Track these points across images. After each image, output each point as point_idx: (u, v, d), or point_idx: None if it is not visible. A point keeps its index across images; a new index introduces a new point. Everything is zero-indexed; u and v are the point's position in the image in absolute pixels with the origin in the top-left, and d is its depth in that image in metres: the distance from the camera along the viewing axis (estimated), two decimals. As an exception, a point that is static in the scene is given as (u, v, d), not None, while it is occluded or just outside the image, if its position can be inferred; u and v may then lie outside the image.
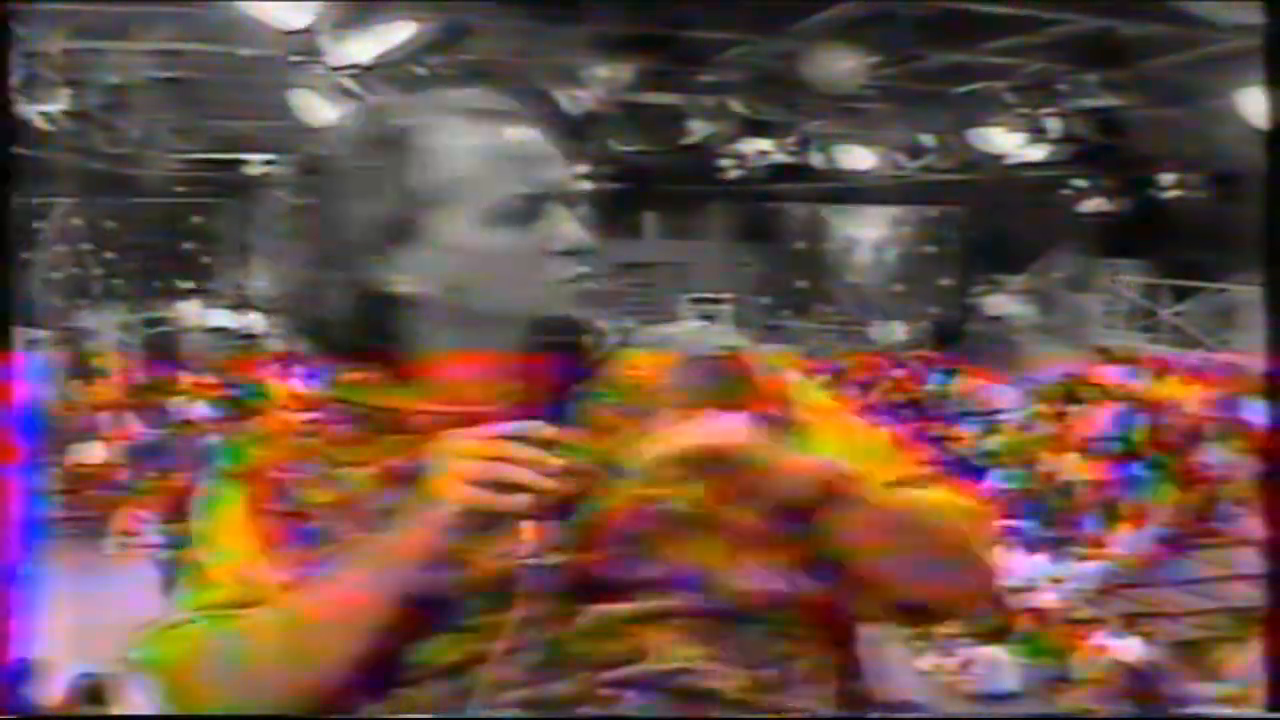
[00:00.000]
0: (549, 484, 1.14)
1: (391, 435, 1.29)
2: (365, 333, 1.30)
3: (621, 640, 1.19)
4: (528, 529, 1.17)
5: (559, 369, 1.25)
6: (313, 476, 1.28)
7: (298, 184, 1.34)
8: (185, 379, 16.85)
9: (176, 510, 13.47)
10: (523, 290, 1.26)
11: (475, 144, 1.28)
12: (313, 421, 1.33)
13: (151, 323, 17.57)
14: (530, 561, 1.17)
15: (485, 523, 1.16)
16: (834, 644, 1.28)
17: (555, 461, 1.15)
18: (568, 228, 1.28)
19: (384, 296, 1.29)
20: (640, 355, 1.35)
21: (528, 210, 1.27)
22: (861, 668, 1.31)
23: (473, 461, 1.15)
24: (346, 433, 1.31)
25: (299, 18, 7.88)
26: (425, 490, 1.17)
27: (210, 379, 16.87)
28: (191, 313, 17.97)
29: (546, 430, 1.16)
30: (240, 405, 16.42)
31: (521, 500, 1.14)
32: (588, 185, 1.34)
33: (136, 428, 15.33)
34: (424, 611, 1.19)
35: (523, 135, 1.30)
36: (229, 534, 1.28)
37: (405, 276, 1.28)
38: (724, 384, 1.32)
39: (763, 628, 1.23)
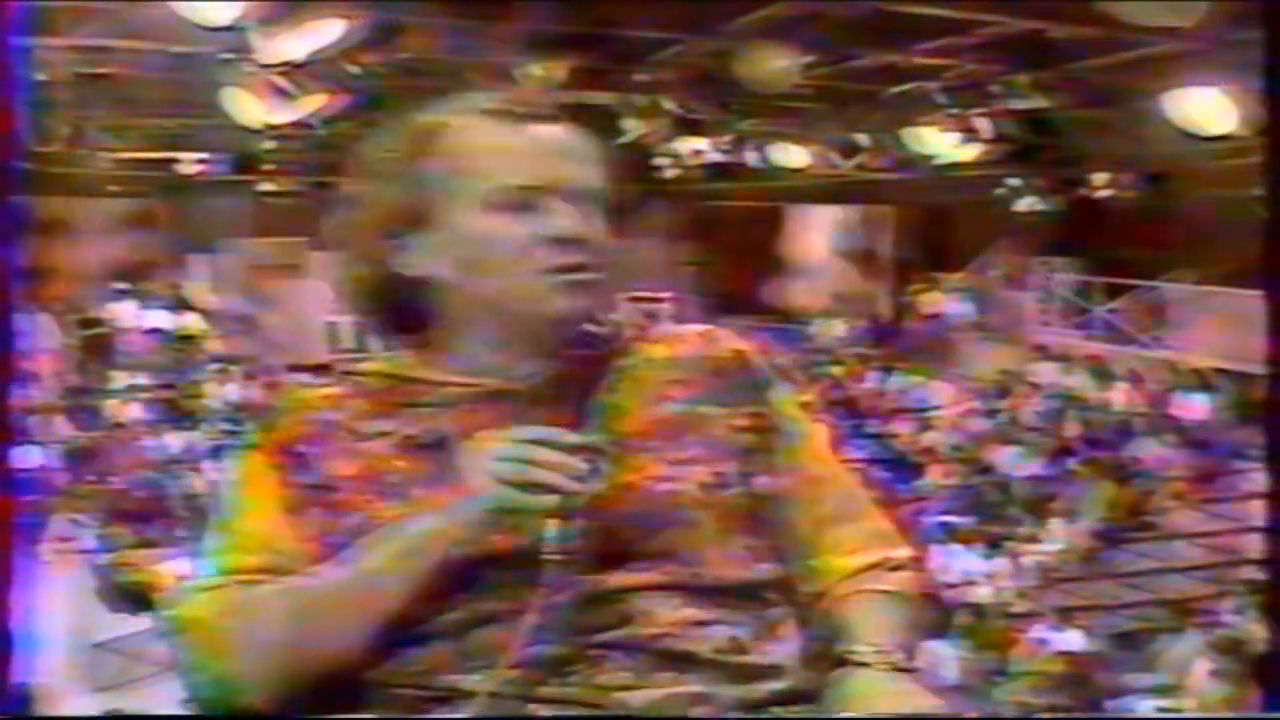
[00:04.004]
0: (575, 486, 1.27)
1: (412, 408, 1.40)
2: (399, 312, 1.44)
3: (610, 608, 1.32)
4: (552, 521, 1.29)
5: (578, 363, 1.39)
6: (337, 449, 1.39)
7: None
8: (121, 381, 16.62)
9: (112, 514, 13.35)
10: (516, 276, 1.37)
11: (484, 139, 1.40)
12: (337, 396, 1.44)
13: (86, 324, 17.30)
14: (551, 547, 1.28)
15: (515, 519, 1.29)
16: (798, 609, 1.43)
17: (581, 466, 1.27)
18: (560, 219, 1.37)
19: (405, 279, 1.41)
20: (653, 350, 1.47)
21: (524, 201, 1.38)
22: (819, 627, 1.44)
23: (506, 463, 1.27)
24: (369, 406, 1.42)
25: (224, 14, 7.81)
26: (459, 486, 1.29)
27: (146, 381, 16.66)
28: (127, 314, 17.71)
29: (572, 437, 1.29)
30: (177, 408, 16.25)
31: (550, 500, 1.27)
32: (603, 181, 1.44)
33: (70, 431, 15.11)
34: (445, 585, 1.31)
35: (533, 131, 1.41)
36: (258, 504, 1.39)
37: (421, 260, 1.40)
38: (728, 384, 1.46)
39: (739, 596, 1.37)
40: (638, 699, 1.29)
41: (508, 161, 1.39)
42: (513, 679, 1.28)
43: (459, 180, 1.39)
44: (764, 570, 1.41)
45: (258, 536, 1.38)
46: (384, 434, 1.39)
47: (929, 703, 1.33)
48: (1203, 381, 14.21)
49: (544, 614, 1.29)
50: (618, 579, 1.33)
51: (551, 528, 1.29)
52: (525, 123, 1.41)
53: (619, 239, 1.47)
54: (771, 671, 1.36)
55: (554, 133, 1.42)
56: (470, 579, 1.31)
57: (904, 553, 1.49)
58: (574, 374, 1.40)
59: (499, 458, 1.28)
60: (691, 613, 1.33)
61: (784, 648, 1.39)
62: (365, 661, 1.33)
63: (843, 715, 1.32)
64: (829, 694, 1.34)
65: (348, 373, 1.48)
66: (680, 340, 1.50)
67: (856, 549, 1.46)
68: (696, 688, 1.31)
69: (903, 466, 14.60)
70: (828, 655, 1.39)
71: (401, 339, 1.47)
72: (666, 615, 1.32)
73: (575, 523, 1.29)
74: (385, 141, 1.45)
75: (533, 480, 1.26)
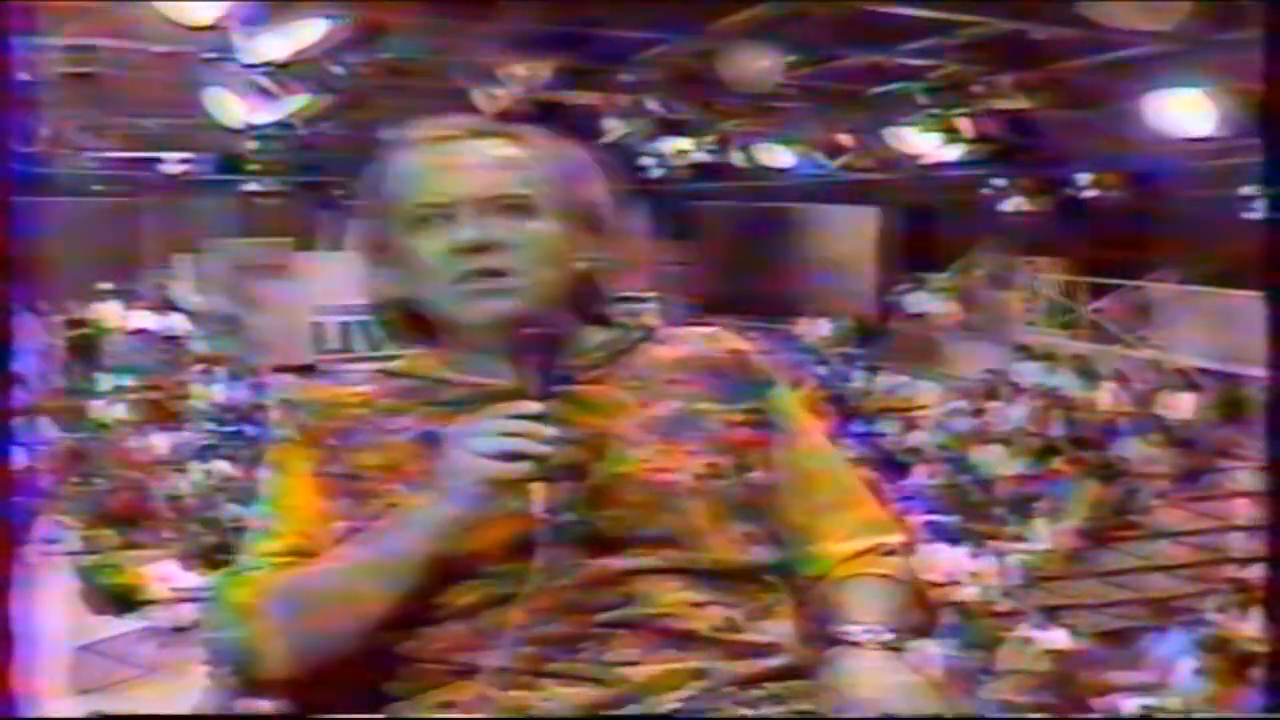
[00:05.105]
0: (545, 450, 1.36)
1: (432, 406, 1.51)
2: (404, 326, 1.57)
3: (615, 588, 1.41)
4: (539, 490, 1.38)
5: (551, 354, 1.45)
6: (364, 442, 1.51)
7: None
8: (106, 382, 16.56)
9: (97, 516, 13.28)
10: (439, 286, 1.48)
11: (405, 166, 1.52)
12: (365, 393, 1.56)
13: (71, 324, 17.24)
14: (544, 518, 1.38)
15: (502, 489, 1.37)
16: (795, 592, 1.51)
17: (547, 431, 1.36)
18: (468, 228, 1.46)
19: (391, 300, 1.56)
20: (657, 350, 1.57)
21: (439, 216, 1.48)
22: (815, 609, 1.51)
23: (479, 439, 1.37)
24: (394, 403, 1.53)
25: (208, 14, 7.81)
26: (450, 467, 1.39)
27: (131, 382, 16.60)
28: (112, 314, 17.65)
29: (534, 407, 1.38)
30: (162, 408, 16.19)
31: (526, 466, 1.36)
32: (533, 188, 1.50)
33: (55, 432, 15.03)
34: (453, 564, 1.41)
35: (447, 150, 1.51)
36: (292, 493, 1.52)
37: (394, 283, 1.54)
38: (727, 382, 1.55)
39: (735, 579, 1.46)
40: (640, 674, 1.38)
41: (422, 182, 1.50)
42: (523, 655, 1.38)
43: (393, 207, 1.52)
44: (761, 555, 1.49)
45: (291, 522, 1.50)
46: (406, 429, 1.50)
47: (918, 683, 1.38)
48: (1187, 381, 14.26)
49: (547, 594, 1.38)
50: (619, 563, 1.42)
51: (538, 494, 1.38)
52: (444, 143, 1.52)
53: (606, 240, 1.56)
54: (767, 649, 1.44)
55: (468, 148, 1.52)
56: (479, 562, 1.41)
57: (898, 539, 1.57)
58: (578, 372, 1.49)
59: (473, 435, 1.38)
60: (689, 595, 1.42)
61: (779, 627, 1.47)
62: (388, 637, 1.42)
63: (830, 714, 1.37)
64: (823, 673, 1.41)
65: (379, 372, 1.59)
66: (684, 340, 1.59)
67: (851, 535, 1.55)
68: (696, 663, 1.40)
69: (888, 466, 14.61)
70: (823, 636, 1.46)
71: (422, 341, 1.57)
72: (666, 596, 1.42)
73: (561, 489, 1.38)
74: (360, 181, 1.57)
75: (505, 450, 1.36)
